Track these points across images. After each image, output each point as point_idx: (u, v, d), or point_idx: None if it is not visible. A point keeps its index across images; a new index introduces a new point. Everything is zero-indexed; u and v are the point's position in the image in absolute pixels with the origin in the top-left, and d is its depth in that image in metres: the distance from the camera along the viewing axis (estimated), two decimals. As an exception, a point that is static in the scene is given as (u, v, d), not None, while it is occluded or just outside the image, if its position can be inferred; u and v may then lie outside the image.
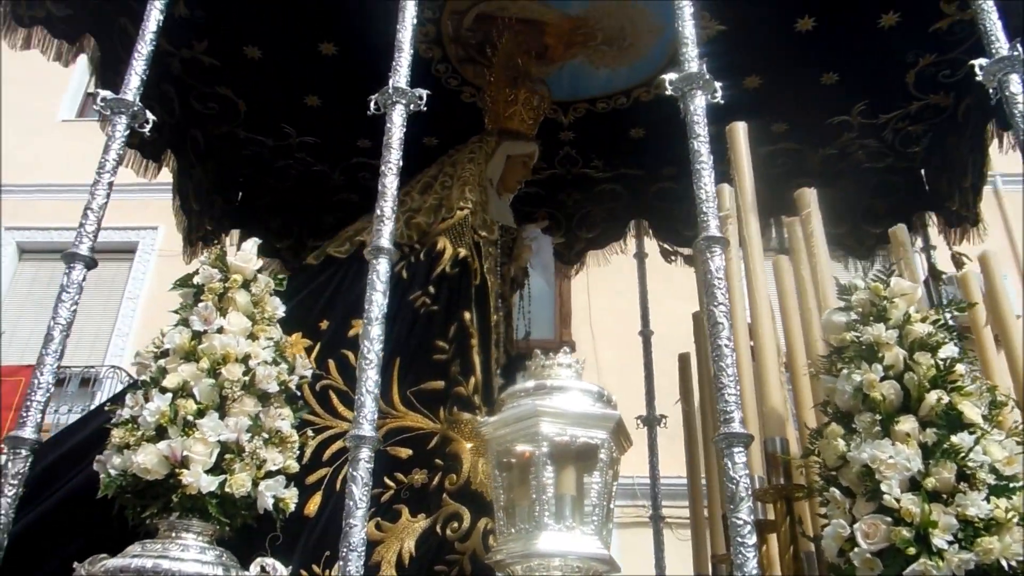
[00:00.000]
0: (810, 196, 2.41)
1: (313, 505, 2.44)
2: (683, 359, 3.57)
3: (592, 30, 3.87)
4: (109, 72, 3.60)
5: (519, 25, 3.85)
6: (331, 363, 2.69)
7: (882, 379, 1.81)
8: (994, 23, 2.29)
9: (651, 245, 4.74)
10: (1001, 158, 3.75)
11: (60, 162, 10.94)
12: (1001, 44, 2.24)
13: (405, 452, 2.59)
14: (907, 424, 1.74)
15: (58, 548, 2.19)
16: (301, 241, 4.50)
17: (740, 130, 2.53)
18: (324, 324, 2.81)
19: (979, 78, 2.22)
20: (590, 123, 4.31)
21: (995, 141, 3.64)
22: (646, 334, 4.33)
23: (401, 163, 2.36)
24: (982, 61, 2.26)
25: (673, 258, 4.66)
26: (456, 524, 2.47)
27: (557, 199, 4.67)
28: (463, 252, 3.01)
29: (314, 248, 3.65)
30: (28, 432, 1.98)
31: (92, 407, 9.23)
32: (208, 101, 4.12)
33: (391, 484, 2.54)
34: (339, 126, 4.32)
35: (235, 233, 4.51)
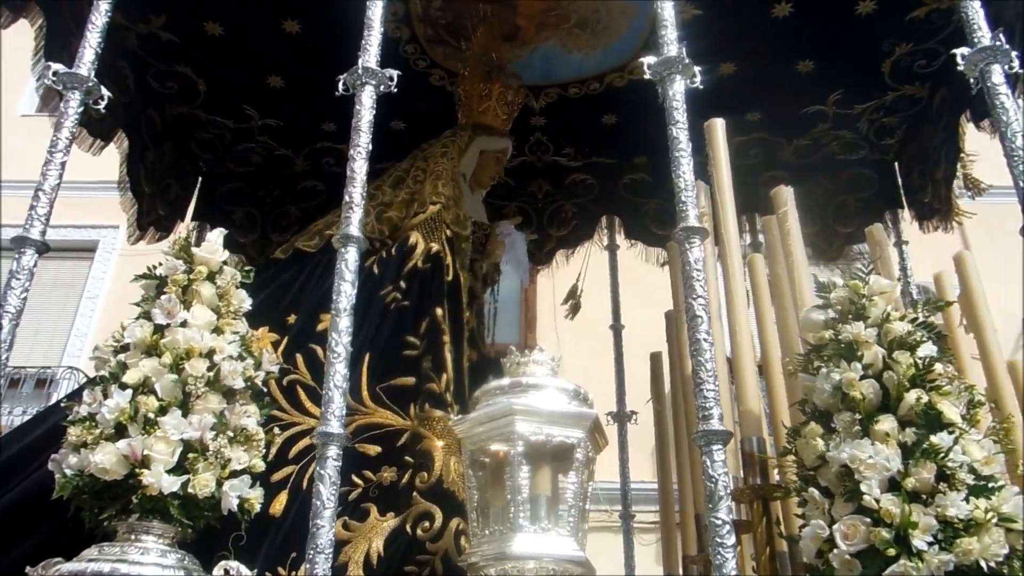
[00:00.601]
0: (787, 194, 2.38)
1: (279, 504, 2.37)
2: (655, 358, 3.54)
3: (565, 12, 3.80)
4: (56, 45, 3.42)
5: (490, 5, 3.76)
6: (299, 358, 2.62)
7: (861, 378, 1.79)
8: (976, 11, 2.28)
9: (622, 244, 4.69)
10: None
11: (19, 158, 10.58)
12: (983, 33, 2.23)
13: (374, 449, 2.53)
14: (886, 423, 1.72)
15: (10, 549, 2.09)
16: (266, 236, 4.38)
17: (718, 126, 2.49)
18: (292, 318, 2.73)
19: (961, 67, 2.20)
20: (562, 109, 4.24)
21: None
22: (617, 328, 4.30)
23: (370, 147, 2.27)
24: (964, 50, 2.24)
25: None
26: (427, 524, 2.42)
27: (527, 190, 4.59)
28: (435, 247, 2.95)
29: (280, 243, 3.55)
30: (-27, 428, 1.88)
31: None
32: (166, 80, 3.98)
33: (359, 482, 2.48)
34: (303, 109, 4.19)
35: (196, 229, 4.37)
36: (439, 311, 2.82)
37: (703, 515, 2.63)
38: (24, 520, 2.16)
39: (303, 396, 2.58)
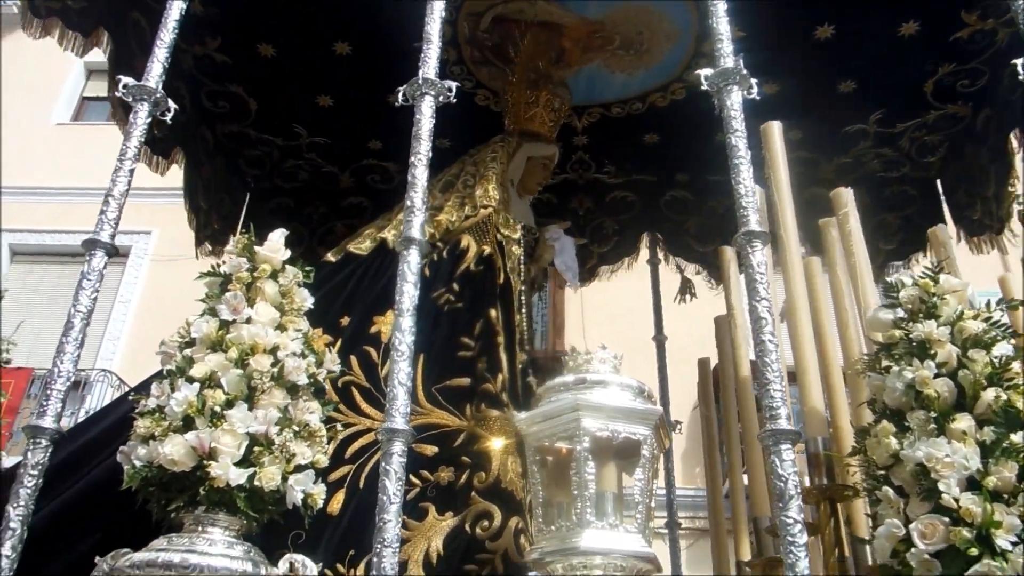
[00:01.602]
0: (847, 196, 2.38)
1: (336, 503, 2.36)
2: (703, 364, 3.53)
3: (609, 34, 3.85)
4: (122, 67, 3.54)
5: (537, 28, 3.82)
6: (353, 359, 2.63)
7: (935, 376, 1.76)
8: (1034, 27, 2.28)
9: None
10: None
11: (53, 165, 10.84)
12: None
13: (431, 449, 2.52)
14: (963, 422, 1.69)
15: (77, 541, 2.11)
16: (312, 250, 4.43)
17: (775, 128, 2.51)
18: (345, 320, 2.75)
19: (1022, 77, 2.20)
20: (604, 128, 4.28)
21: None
22: (660, 340, 4.30)
23: (430, 155, 2.31)
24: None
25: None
26: (486, 522, 2.40)
27: (569, 207, 4.62)
28: (487, 250, 2.96)
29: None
30: (48, 422, 1.91)
31: (82, 411, 9.17)
32: (219, 99, 4.08)
33: (416, 482, 2.47)
34: (351, 127, 4.28)
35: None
36: (493, 313, 2.83)
37: (760, 519, 2.61)
38: (91, 512, 2.17)
39: (358, 397, 2.59)
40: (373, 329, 2.71)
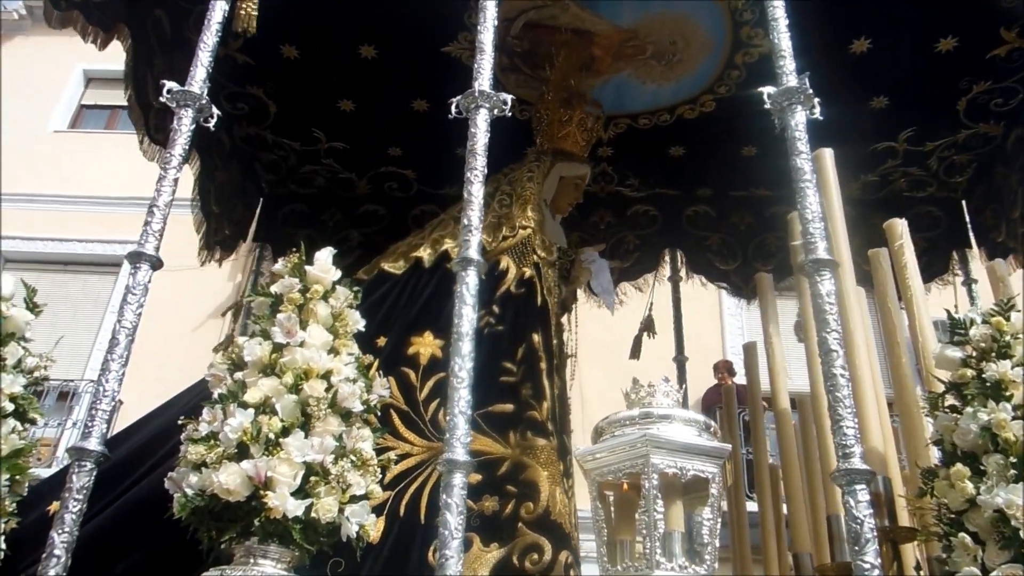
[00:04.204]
0: (901, 227, 2.34)
1: (376, 531, 2.30)
2: (727, 392, 3.50)
3: (642, 43, 3.79)
4: (141, 63, 3.47)
5: (568, 35, 3.76)
6: (391, 381, 2.56)
7: (1012, 419, 1.73)
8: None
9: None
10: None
11: (50, 172, 10.68)
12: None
13: (474, 477, 2.44)
14: (1043, 468, 1.66)
15: (120, 557, 2.04)
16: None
17: (827, 156, 2.47)
18: (381, 341, 2.68)
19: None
20: (630, 139, 4.23)
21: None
22: (680, 360, 4.26)
23: (486, 171, 2.24)
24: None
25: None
26: (535, 556, 2.35)
27: (589, 220, 4.56)
28: (528, 272, 2.90)
29: (341, 267, 3.51)
30: (93, 444, 1.85)
31: (69, 421, 9.03)
32: (237, 101, 4.00)
33: None
34: (371, 133, 4.21)
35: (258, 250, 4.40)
36: (536, 337, 2.77)
37: (801, 555, 2.58)
38: (136, 525, 2.10)
39: (397, 421, 2.53)
40: (411, 350, 2.65)
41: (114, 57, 3.69)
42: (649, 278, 4.56)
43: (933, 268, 4.28)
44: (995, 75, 3.63)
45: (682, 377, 4.20)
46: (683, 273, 4.55)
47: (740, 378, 7.57)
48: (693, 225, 4.53)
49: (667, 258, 4.58)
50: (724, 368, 7.75)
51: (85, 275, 10.44)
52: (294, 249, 2.06)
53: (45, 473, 3.83)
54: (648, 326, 3.81)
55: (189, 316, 9.26)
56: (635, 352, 3.97)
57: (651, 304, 4.02)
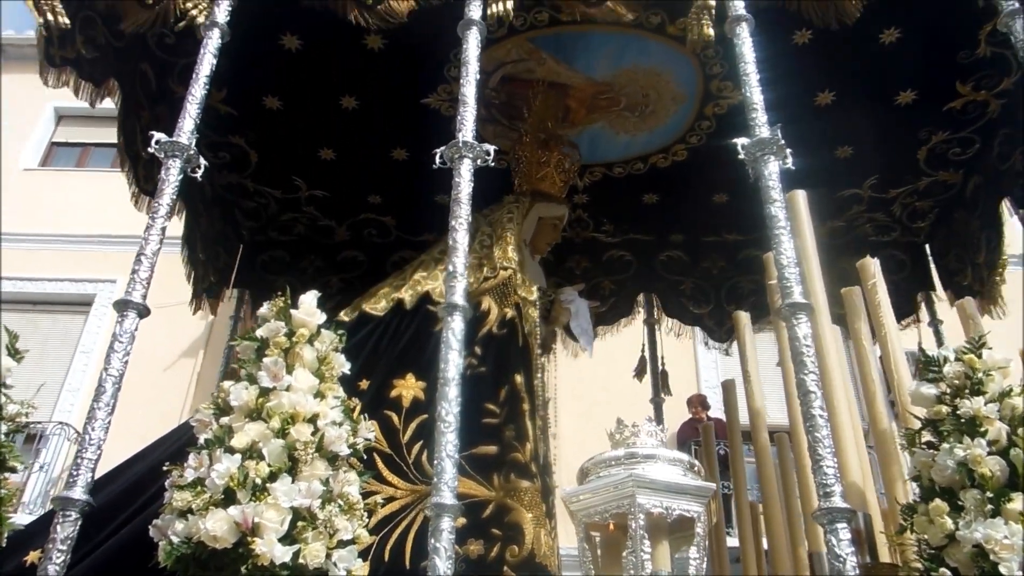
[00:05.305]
0: (873, 266, 2.42)
1: (360, 576, 2.27)
2: (706, 430, 3.53)
3: (616, 95, 3.91)
4: (130, 116, 3.52)
5: (543, 87, 3.87)
6: (375, 424, 2.56)
7: (987, 455, 1.78)
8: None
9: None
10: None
11: (21, 211, 10.58)
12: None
13: (459, 521, 2.44)
14: (1019, 502, 1.71)
15: None
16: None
17: (800, 198, 2.55)
18: (364, 384, 2.69)
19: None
20: (605, 187, 4.33)
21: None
22: (657, 402, 4.30)
23: (470, 219, 2.29)
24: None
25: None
26: None
27: (565, 266, 4.63)
28: (510, 313, 2.93)
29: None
30: (78, 492, 1.83)
31: (36, 464, 8.78)
32: (219, 150, 4.03)
33: None
34: (352, 181, 4.26)
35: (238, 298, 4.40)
36: (518, 378, 2.79)
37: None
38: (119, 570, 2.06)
39: (380, 464, 2.52)
40: (393, 393, 2.66)
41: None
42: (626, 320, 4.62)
43: (900, 310, 4.36)
44: (953, 126, 3.79)
45: (659, 418, 4.24)
46: (656, 316, 4.61)
47: (714, 411, 7.65)
48: (667, 270, 4.62)
49: (643, 302, 4.64)
50: (698, 402, 7.77)
51: (54, 315, 10.26)
52: (279, 293, 2.07)
53: (13, 517, 3.73)
54: (663, 381, 3.91)
55: (160, 356, 9.11)
56: (661, 390, 4.18)
57: (645, 350, 4.09)
